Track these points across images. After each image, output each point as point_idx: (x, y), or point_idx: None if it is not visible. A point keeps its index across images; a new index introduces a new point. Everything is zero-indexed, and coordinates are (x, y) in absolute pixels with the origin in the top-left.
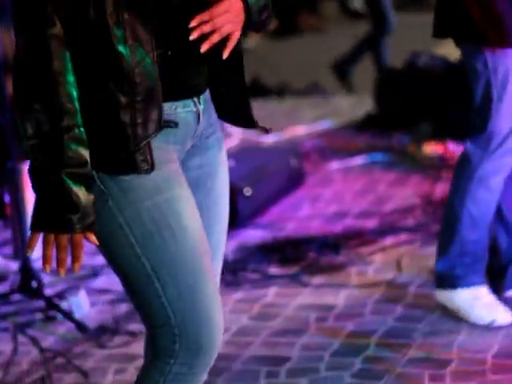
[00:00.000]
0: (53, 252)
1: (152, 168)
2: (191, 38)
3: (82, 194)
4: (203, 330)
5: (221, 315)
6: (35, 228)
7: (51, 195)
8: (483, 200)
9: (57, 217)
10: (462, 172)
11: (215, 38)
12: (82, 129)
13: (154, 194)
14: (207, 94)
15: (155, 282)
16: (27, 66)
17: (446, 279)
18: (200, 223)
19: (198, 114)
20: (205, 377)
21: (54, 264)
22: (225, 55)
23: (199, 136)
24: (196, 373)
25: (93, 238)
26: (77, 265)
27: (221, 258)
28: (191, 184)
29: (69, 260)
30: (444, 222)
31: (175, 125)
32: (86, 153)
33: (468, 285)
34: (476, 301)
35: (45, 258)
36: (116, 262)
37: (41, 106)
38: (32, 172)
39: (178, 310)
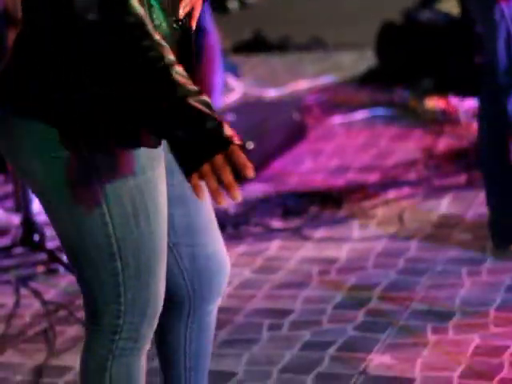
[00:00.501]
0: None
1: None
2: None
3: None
4: (150, 305)
5: (164, 286)
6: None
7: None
8: None
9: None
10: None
11: (196, 14)
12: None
13: (138, 174)
14: None
15: (117, 261)
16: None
17: None
18: (166, 206)
19: None
20: (149, 346)
21: None
22: (193, 26)
23: None
24: (141, 345)
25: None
26: (251, 172)
27: (218, 231)
28: (166, 169)
29: None
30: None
31: None
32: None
33: None
34: None
35: (216, 195)
36: (78, 239)
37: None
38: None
39: (131, 288)
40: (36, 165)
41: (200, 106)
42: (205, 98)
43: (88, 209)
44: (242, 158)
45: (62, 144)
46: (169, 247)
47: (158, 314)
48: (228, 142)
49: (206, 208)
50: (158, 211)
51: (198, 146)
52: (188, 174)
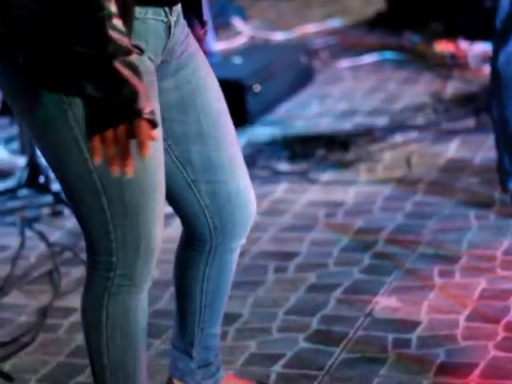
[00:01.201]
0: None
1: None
2: None
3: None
4: (142, 244)
5: (161, 229)
6: (103, 128)
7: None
8: None
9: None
10: None
11: None
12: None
13: None
14: (179, 8)
15: (102, 197)
16: None
17: None
18: (161, 142)
19: (170, 26)
20: (149, 284)
21: None
22: None
23: (170, 52)
24: (137, 284)
25: (151, 132)
26: (145, 152)
27: (243, 167)
28: (177, 107)
29: None
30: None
31: (141, 51)
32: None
33: None
34: None
35: (111, 161)
36: (64, 175)
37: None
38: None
39: (119, 226)
40: (19, 104)
41: (122, 70)
42: (134, 59)
43: (67, 145)
44: (143, 135)
45: (37, 83)
46: (188, 184)
47: (156, 253)
48: (136, 114)
49: (227, 144)
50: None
51: (107, 109)
52: (90, 134)
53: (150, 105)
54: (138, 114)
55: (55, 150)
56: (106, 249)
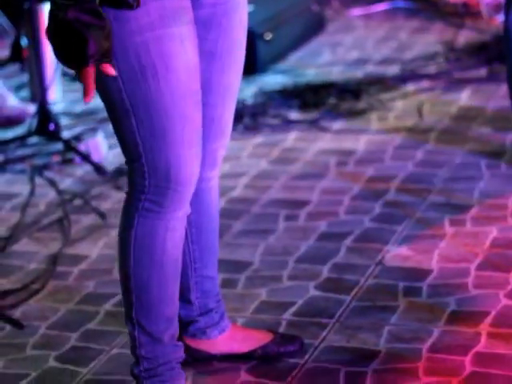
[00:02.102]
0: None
1: (138, 4)
2: None
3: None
4: (172, 172)
5: (196, 160)
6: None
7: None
8: None
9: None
10: None
11: None
12: None
13: (145, 31)
14: None
15: (132, 118)
16: None
17: None
18: (193, 67)
19: None
20: (183, 213)
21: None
22: None
23: None
24: (167, 211)
25: (106, 68)
26: (87, 98)
27: (233, 102)
28: (204, 23)
29: None
30: None
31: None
32: None
33: None
34: None
35: (88, 92)
36: (101, 93)
37: None
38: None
39: (149, 149)
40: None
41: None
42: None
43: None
44: (87, 81)
45: None
46: None
47: (189, 185)
48: (84, 62)
49: (232, 71)
50: (169, 70)
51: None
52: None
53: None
54: (84, 62)
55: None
56: (139, 171)
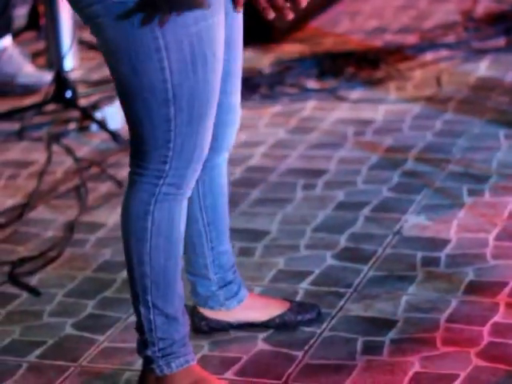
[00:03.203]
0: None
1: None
2: None
3: None
4: (196, 153)
5: (209, 139)
6: None
7: None
8: None
9: None
10: None
11: None
12: None
13: (200, 21)
14: None
15: (171, 107)
16: None
17: None
18: (223, 49)
19: None
20: (189, 194)
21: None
22: None
23: None
24: (183, 192)
25: None
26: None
27: (239, 71)
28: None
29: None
30: None
31: None
32: None
33: None
34: None
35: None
36: (134, 82)
37: None
38: None
39: (181, 134)
40: (97, 8)
41: None
42: None
43: (147, 53)
44: None
45: None
46: None
47: (202, 162)
48: None
49: (240, 57)
50: (215, 60)
51: None
52: None
53: None
54: None
55: (132, 57)
56: (160, 157)
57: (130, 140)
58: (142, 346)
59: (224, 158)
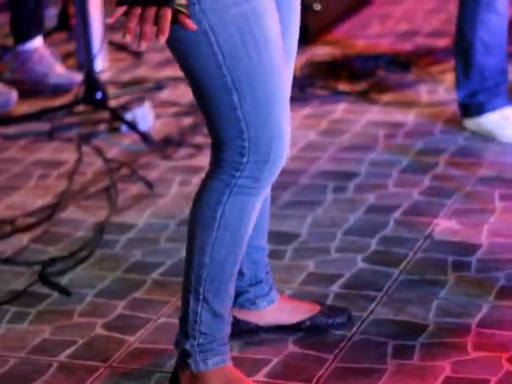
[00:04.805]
0: (136, 25)
1: None
2: None
3: None
4: (274, 144)
5: (289, 130)
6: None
7: None
8: (493, 25)
9: None
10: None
11: None
12: None
13: (242, 2)
14: None
15: (233, 94)
16: None
17: (471, 107)
18: (280, 36)
19: None
20: (268, 190)
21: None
22: None
23: None
24: (261, 186)
25: (187, 20)
26: (162, 37)
27: (292, 67)
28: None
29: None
30: (458, 51)
31: None
32: None
33: (493, 108)
34: (505, 121)
35: (128, 30)
36: (194, 72)
37: None
38: None
39: (253, 124)
40: None
41: None
42: None
43: (196, 39)
44: (165, 23)
45: None
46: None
47: (283, 157)
48: (167, 1)
49: (292, 61)
50: (268, 39)
51: None
52: (119, 3)
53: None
54: (167, 1)
55: (185, 44)
56: (237, 148)
57: (208, 133)
58: (182, 337)
59: None
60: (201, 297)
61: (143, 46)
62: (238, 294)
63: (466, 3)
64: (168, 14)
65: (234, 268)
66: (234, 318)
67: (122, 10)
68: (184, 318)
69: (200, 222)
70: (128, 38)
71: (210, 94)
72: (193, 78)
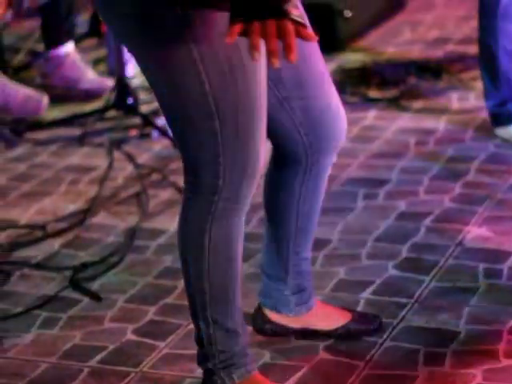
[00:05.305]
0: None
1: None
2: None
3: None
4: (249, 165)
5: (265, 150)
6: (243, 17)
7: None
8: None
9: (273, 2)
10: (487, 11)
11: None
12: None
13: None
14: None
15: (215, 121)
16: None
17: (501, 116)
18: (265, 61)
19: None
20: (247, 209)
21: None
22: None
23: None
24: (241, 204)
25: (308, 32)
26: (293, 55)
27: (322, 74)
28: None
29: None
30: (483, 62)
31: None
32: None
33: None
34: None
35: (256, 48)
36: (176, 98)
37: None
38: None
39: (230, 149)
40: (131, 23)
41: None
42: None
43: (183, 67)
44: (291, 38)
45: (155, 2)
46: (280, 102)
47: (258, 176)
48: (284, 13)
49: (316, 61)
50: (255, 69)
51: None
52: (233, 18)
53: (297, 10)
54: (286, 12)
55: (170, 73)
56: (212, 172)
57: (181, 158)
58: (203, 358)
59: (331, 160)
60: (210, 320)
61: (277, 64)
62: (278, 301)
63: (484, 15)
64: (291, 27)
65: (235, 285)
66: (270, 320)
67: (238, 28)
68: (199, 342)
69: (189, 252)
70: (257, 57)
71: (190, 120)
72: (173, 102)
